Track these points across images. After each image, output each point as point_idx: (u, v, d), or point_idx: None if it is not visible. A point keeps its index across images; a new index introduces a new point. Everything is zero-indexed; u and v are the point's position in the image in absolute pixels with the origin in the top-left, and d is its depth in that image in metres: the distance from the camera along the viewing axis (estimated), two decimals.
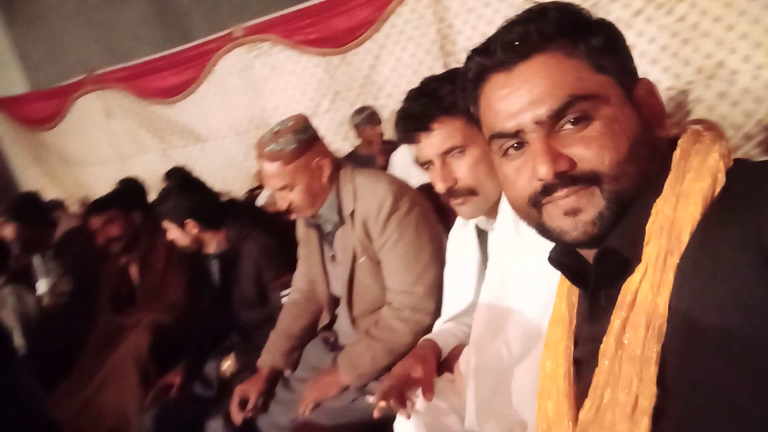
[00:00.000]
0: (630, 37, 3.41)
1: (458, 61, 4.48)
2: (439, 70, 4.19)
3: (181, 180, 2.50)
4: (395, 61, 4.65)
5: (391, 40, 4.61)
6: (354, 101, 4.86)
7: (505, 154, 0.80)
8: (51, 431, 2.02)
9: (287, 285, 2.23)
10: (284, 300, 2.22)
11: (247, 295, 2.32)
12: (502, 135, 0.79)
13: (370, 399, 1.37)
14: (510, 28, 0.77)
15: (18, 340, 3.23)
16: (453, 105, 1.28)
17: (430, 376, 1.40)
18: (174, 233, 2.36)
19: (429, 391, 1.35)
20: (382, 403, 1.32)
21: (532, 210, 0.79)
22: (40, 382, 2.33)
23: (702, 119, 3.30)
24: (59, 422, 2.14)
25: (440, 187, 1.34)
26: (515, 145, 0.78)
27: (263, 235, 2.33)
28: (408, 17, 4.49)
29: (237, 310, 2.36)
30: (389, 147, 4.14)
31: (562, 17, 0.75)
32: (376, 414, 1.33)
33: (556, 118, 0.74)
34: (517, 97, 0.76)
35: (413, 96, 1.36)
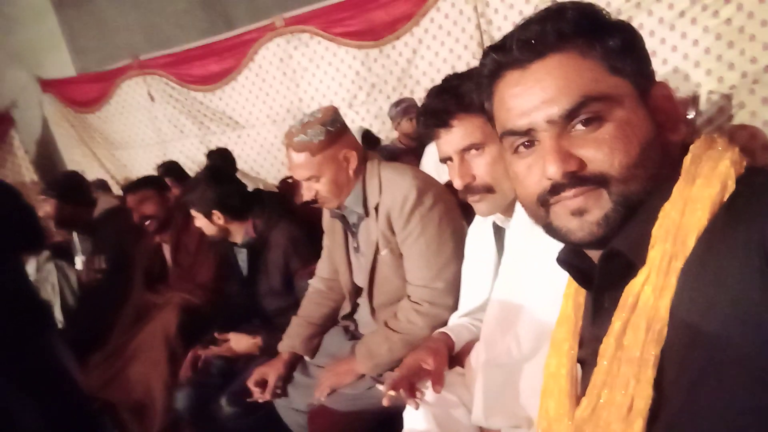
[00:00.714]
0: (673, 39, 3.38)
1: None
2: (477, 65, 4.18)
3: (209, 170, 2.56)
4: (433, 56, 4.65)
5: (429, 35, 4.60)
6: (390, 94, 4.88)
7: (516, 151, 0.81)
8: (82, 400, 2.12)
9: (313, 275, 2.28)
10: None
11: (274, 284, 2.37)
12: (513, 132, 0.79)
13: (381, 387, 1.40)
14: (527, 26, 0.77)
15: (57, 313, 3.39)
16: (474, 103, 1.28)
17: (441, 368, 1.42)
18: (201, 222, 2.42)
19: (438, 383, 1.37)
20: (392, 392, 1.34)
21: (540, 209, 0.79)
22: (74, 354, 2.44)
23: (744, 125, 3.21)
24: (90, 392, 2.24)
25: (458, 184, 1.35)
26: (526, 143, 0.79)
27: (290, 224, 2.38)
28: (447, 12, 4.47)
29: (262, 298, 2.41)
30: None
31: (579, 17, 0.75)
32: (385, 402, 1.35)
33: (568, 118, 0.74)
34: (531, 96, 0.76)
35: (435, 92, 1.38)
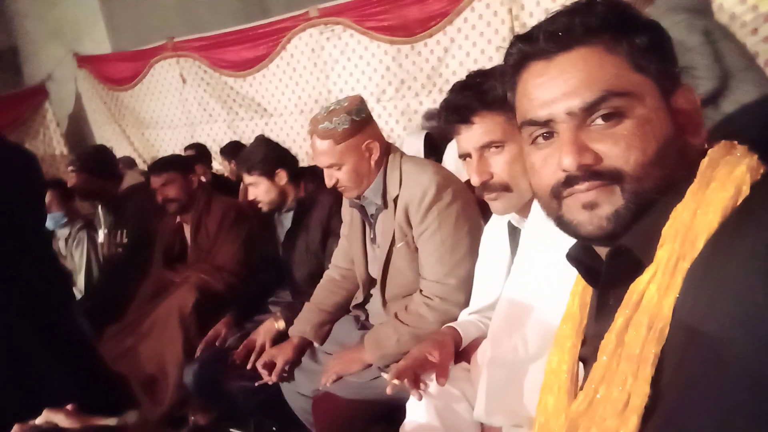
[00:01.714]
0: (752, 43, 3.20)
1: None
2: None
3: (263, 137, 2.60)
4: (464, 56, 4.64)
5: (462, 35, 4.60)
6: (419, 92, 4.88)
7: (534, 141, 0.82)
8: (104, 368, 2.17)
9: None
10: None
11: (312, 241, 2.41)
12: (533, 122, 0.80)
13: (385, 375, 1.41)
14: (555, 18, 0.78)
15: (80, 282, 3.47)
16: (496, 100, 1.29)
17: (446, 361, 1.43)
18: (262, 186, 2.41)
19: (443, 376, 1.38)
20: (396, 381, 1.36)
21: (553, 201, 0.80)
22: (92, 324, 2.50)
23: None
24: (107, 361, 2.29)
25: (475, 181, 1.35)
26: (545, 134, 0.79)
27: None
28: (482, 12, 4.46)
29: (294, 264, 2.46)
30: None
31: (608, 12, 0.75)
32: (388, 390, 1.38)
33: (588, 111, 0.74)
34: (553, 87, 0.77)
35: (457, 88, 1.38)
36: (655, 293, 0.68)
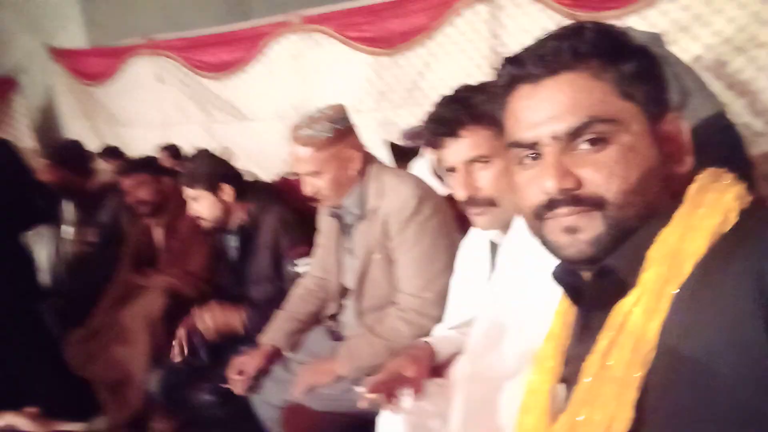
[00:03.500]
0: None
1: None
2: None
3: (207, 150, 2.55)
4: (444, 71, 4.66)
5: (443, 49, 4.62)
6: (398, 104, 4.88)
7: (520, 162, 0.83)
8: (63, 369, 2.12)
9: (301, 255, 2.27)
10: (298, 270, 2.25)
11: (262, 266, 2.34)
12: (519, 144, 0.81)
13: (359, 389, 1.40)
14: (544, 42, 0.79)
15: (44, 279, 3.37)
16: (484, 115, 1.30)
17: (421, 377, 1.43)
18: (205, 201, 2.33)
19: (418, 392, 1.37)
20: (370, 395, 1.35)
21: (536, 221, 0.81)
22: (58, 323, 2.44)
23: None
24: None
25: (461, 195, 1.35)
26: (531, 155, 0.80)
27: (282, 208, 2.37)
28: (463, 29, 4.49)
29: (250, 286, 2.39)
30: None
31: (596, 38, 0.76)
32: (360, 404, 1.37)
33: (573, 136, 0.75)
34: (539, 110, 0.78)
35: (445, 101, 1.38)
36: (641, 316, 0.69)
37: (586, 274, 0.81)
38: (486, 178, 1.34)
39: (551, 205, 0.77)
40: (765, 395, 0.59)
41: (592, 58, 0.76)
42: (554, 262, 0.86)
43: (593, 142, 0.75)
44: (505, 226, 1.38)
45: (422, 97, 4.76)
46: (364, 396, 1.38)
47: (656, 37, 2.69)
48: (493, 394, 1.25)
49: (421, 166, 3.57)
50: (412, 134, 4.23)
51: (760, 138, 3.21)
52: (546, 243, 0.81)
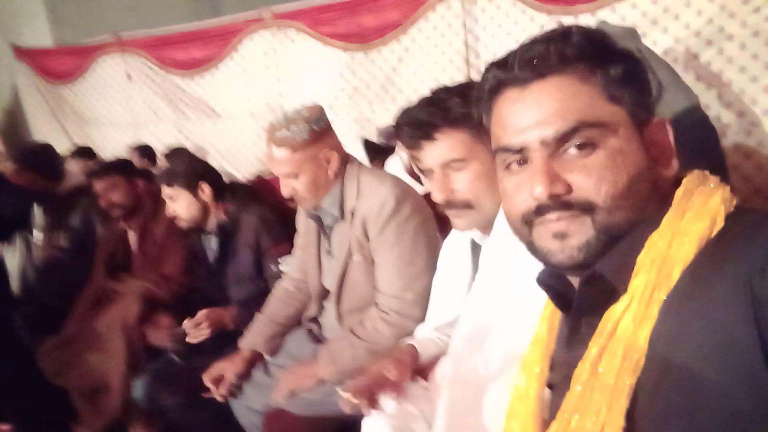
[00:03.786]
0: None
1: (480, 73, 4.48)
2: (461, 80, 4.19)
3: (184, 149, 2.52)
4: (418, 66, 4.65)
5: (416, 45, 4.61)
6: (372, 100, 4.86)
7: (507, 168, 0.81)
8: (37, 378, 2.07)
9: (283, 254, 2.25)
10: (280, 268, 2.23)
11: (244, 267, 2.32)
12: (506, 149, 0.80)
13: (341, 392, 1.40)
14: (531, 45, 0.78)
15: (14, 286, 3.29)
16: (460, 117, 1.29)
17: (404, 379, 1.42)
18: (183, 200, 2.31)
19: (400, 395, 1.37)
20: (352, 398, 1.35)
21: (524, 227, 0.80)
22: (30, 332, 2.38)
23: None
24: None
25: (438, 198, 1.35)
26: (519, 160, 0.79)
27: (261, 207, 2.35)
28: (437, 24, 4.48)
29: (230, 287, 2.36)
30: None
31: (583, 42, 0.76)
32: (342, 406, 1.37)
33: (561, 140, 0.74)
34: (527, 115, 0.77)
35: (422, 103, 1.37)
36: (631, 323, 0.69)
37: (575, 280, 0.80)
38: (462, 181, 1.34)
39: (540, 210, 0.76)
40: (756, 401, 0.59)
41: (580, 62, 0.75)
42: (537, 263, 0.85)
43: (581, 146, 0.74)
44: (487, 227, 1.38)
45: (396, 93, 4.75)
46: (346, 400, 1.37)
47: (631, 32, 2.71)
48: (477, 397, 1.24)
49: (396, 164, 3.57)
50: (388, 134, 4.23)
51: (729, 129, 3.26)
52: (534, 249, 0.80)
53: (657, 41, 3.42)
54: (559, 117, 0.74)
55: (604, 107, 0.75)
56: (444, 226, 1.90)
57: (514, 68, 0.78)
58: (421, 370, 1.50)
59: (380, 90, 4.83)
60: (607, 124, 0.74)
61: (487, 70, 0.83)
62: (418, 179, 3.36)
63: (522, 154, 0.78)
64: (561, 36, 0.76)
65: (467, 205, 1.35)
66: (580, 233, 0.74)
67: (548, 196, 0.74)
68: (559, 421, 0.73)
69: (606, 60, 0.76)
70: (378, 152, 4.01)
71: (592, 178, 0.73)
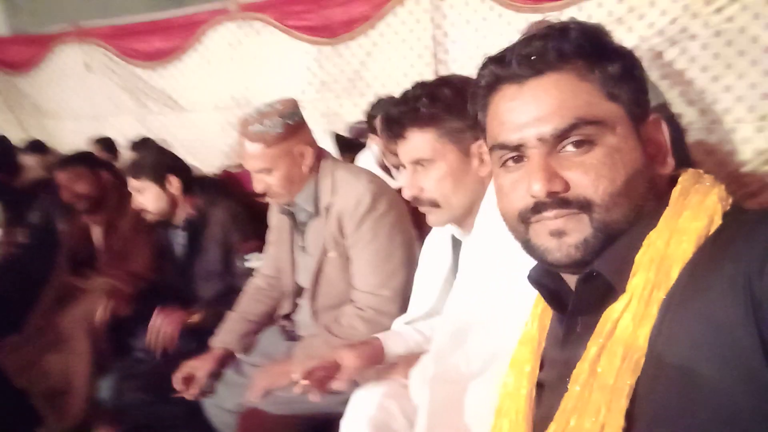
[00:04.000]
0: None
1: (448, 69, 4.49)
2: (428, 75, 4.20)
3: (152, 140, 2.45)
4: (386, 61, 4.64)
5: (385, 39, 4.59)
6: (340, 94, 4.83)
7: (503, 165, 0.80)
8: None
9: (252, 250, 2.21)
10: (248, 265, 2.19)
11: (212, 263, 2.27)
12: (503, 146, 0.79)
13: (294, 376, 1.43)
14: (529, 41, 0.77)
15: None
16: (427, 117, 1.31)
17: (359, 368, 1.46)
18: (151, 193, 2.25)
19: (342, 382, 1.43)
20: (304, 381, 1.39)
21: (521, 225, 0.79)
22: None
23: None
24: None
25: (406, 194, 1.38)
26: (515, 157, 0.78)
27: (230, 202, 2.31)
28: (405, 19, 4.47)
29: (199, 283, 2.31)
30: None
31: (582, 39, 0.75)
32: (296, 390, 1.42)
33: (559, 138, 0.74)
34: (525, 112, 0.76)
35: (395, 101, 1.40)
36: (630, 323, 0.68)
37: (570, 278, 0.79)
38: (428, 181, 1.35)
39: (537, 208, 0.75)
40: (755, 400, 0.59)
41: (578, 59, 0.75)
42: (521, 260, 0.85)
43: (579, 144, 0.73)
44: (465, 223, 1.38)
45: (364, 88, 4.74)
46: (298, 382, 1.42)
47: (599, 29, 2.76)
48: (459, 395, 1.24)
49: (368, 158, 3.55)
50: (358, 130, 4.22)
51: (691, 127, 3.34)
52: (530, 247, 0.79)
53: (622, 40, 3.46)
54: (558, 114, 0.73)
55: (602, 105, 0.74)
56: (420, 222, 1.90)
57: (511, 64, 0.77)
58: (401, 368, 1.49)
59: (348, 84, 4.81)
60: (605, 122, 0.73)
61: (484, 65, 0.82)
62: (389, 172, 3.35)
63: (519, 152, 0.77)
64: (559, 32, 0.76)
65: (433, 204, 1.36)
66: (577, 231, 0.74)
67: (546, 194, 0.73)
68: (558, 421, 0.72)
69: (604, 57, 0.75)
70: (348, 147, 3.99)
71: (590, 175, 0.73)
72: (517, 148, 0.77)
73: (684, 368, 0.63)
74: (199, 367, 1.93)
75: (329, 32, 4.72)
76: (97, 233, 2.72)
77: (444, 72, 4.24)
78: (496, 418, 0.91)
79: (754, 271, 0.60)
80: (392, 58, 4.61)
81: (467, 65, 4.03)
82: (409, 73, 4.50)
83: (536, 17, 3.69)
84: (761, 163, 3.20)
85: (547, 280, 0.84)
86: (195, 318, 2.17)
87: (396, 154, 1.43)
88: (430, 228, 1.69)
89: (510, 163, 0.79)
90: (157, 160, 2.28)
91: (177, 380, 1.91)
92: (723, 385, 0.61)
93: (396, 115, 1.36)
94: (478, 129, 0.88)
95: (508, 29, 3.86)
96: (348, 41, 4.69)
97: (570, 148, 0.74)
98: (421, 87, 1.39)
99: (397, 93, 1.45)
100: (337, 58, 4.78)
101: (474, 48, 4.11)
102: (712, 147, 3.37)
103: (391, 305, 1.73)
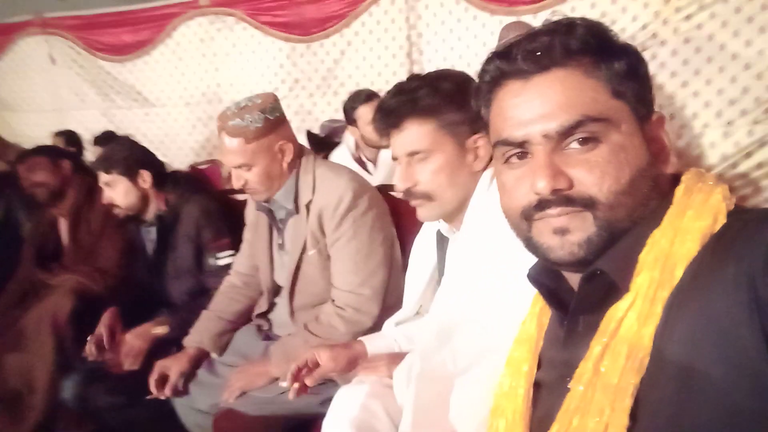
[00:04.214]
0: None
1: (422, 69, 4.49)
2: (403, 75, 4.20)
3: (128, 138, 2.39)
4: (360, 60, 4.61)
5: (359, 38, 4.57)
6: (313, 92, 4.79)
7: (507, 161, 0.79)
8: None
9: (224, 248, 2.17)
10: (220, 263, 2.14)
11: (183, 260, 2.21)
12: (507, 142, 0.78)
13: (283, 383, 1.45)
14: (535, 37, 0.76)
15: None
16: (428, 108, 1.29)
17: (337, 367, 1.48)
18: (121, 187, 2.19)
19: (311, 380, 1.45)
20: (295, 385, 1.43)
21: (523, 222, 0.78)
22: None
23: None
24: None
25: (399, 187, 1.35)
26: (519, 154, 0.77)
27: (203, 198, 2.26)
28: (379, 18, 4.46)
29: (170, 281, 2.25)
30: None
31: (588, 35, 0.74)
32: (290, 395, 1.42)
33: (564, 134, 0.73)
34: (530, 108, 0.75)
35: (393, 91, 1.36)
36: (635, 322, 0.68)
37: (572, 277, 0.79)
38: (424, 172, 1.32)
39: (541, 205, 0.74)
40: (759, 400, 0.59)
41: (584, 55, 0.74)
42: (511, 258, 0.84)
43: (584, 141, 0.73)
44: (453, 220, 1.37)
45: (338, 86, 4.70)
46: (289, 388, 1.44)
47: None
48: (445, 394, 1.23)
49: (343, 154, 3.53)
50: (330, 129, 4.19)
51: None
52: (533, 245, 0.78)
53: None
54: (563, 111, 0.73)
55: (607, 102, 0.73)
56: (400, 221, 1.89)
57: (517, 60, 0.76)
58: (383, 367, 1.47)
59: (321, 83, 4.77)
60: (610, 119, 0.73)
61: (489, 60, 0.80)
62: (365, 167, 3.34)
63: (523, 148, 0.76)
64: (565, 28, 0.75)
65: (427, 197, 1.34)
66: (581, 229, 0.73)
67: (551, 191, 0.72)
68: (561, 421, 0.71)
69: (610, 54, 0.75)
70: (322, 145, 3.96)
71: (594, 173, 0.72)
72: (522, 144, 0.76)
73: (687, 368, 0.63)
74: (171, 367, 1.88)
75: (303, 30, 4.68)
76: (64, 228, 2.63)
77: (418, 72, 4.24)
78: (491, 419, 0.90)
79: (758, 271, 0.60)
80: (366, 58, 4.59)
81: (441, 66, 4.03)
82: (383, 72, 4.49)
83: (510, 19, 3.72)
84: (728, 167, 3.28)
85: (546, 278, 0.83)
86: (160, 330, 2.11)
87: (383, 147, 1.42)
88: (409, 227, 1.68)
89: (514, 159, 0.78)
90: (129, 153, 2.22)
91: (152, 382, 1.86)
92: (726, 385, 0.60)
93: (394, 106, 1.33)
94: (475, 123, 0.87)
95: (483, 31, 3.88)
96: (322, 39, 4.66)
97: (575, 145, 0.73)
98: (419, 79, 1.38)
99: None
100: (311, 56, 4.74)
101: (448, 49, 4.11)
102: (681, 151, 3.43)
103: (371, 304, 1.71)
